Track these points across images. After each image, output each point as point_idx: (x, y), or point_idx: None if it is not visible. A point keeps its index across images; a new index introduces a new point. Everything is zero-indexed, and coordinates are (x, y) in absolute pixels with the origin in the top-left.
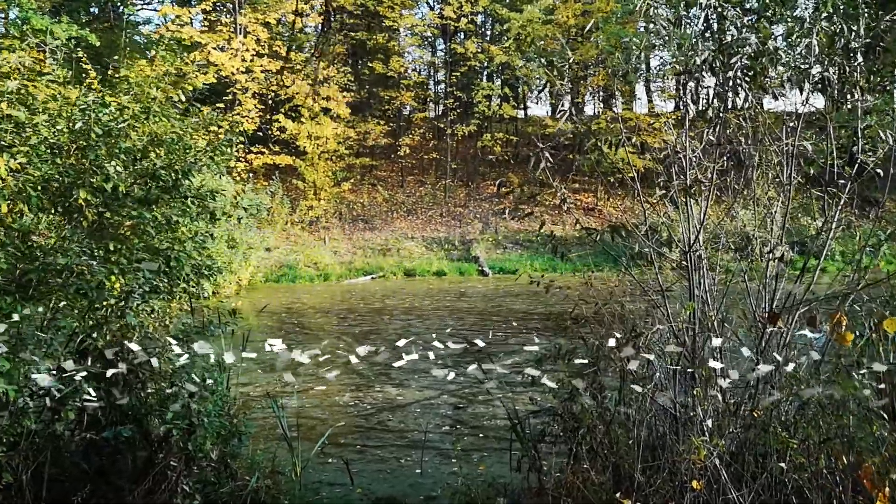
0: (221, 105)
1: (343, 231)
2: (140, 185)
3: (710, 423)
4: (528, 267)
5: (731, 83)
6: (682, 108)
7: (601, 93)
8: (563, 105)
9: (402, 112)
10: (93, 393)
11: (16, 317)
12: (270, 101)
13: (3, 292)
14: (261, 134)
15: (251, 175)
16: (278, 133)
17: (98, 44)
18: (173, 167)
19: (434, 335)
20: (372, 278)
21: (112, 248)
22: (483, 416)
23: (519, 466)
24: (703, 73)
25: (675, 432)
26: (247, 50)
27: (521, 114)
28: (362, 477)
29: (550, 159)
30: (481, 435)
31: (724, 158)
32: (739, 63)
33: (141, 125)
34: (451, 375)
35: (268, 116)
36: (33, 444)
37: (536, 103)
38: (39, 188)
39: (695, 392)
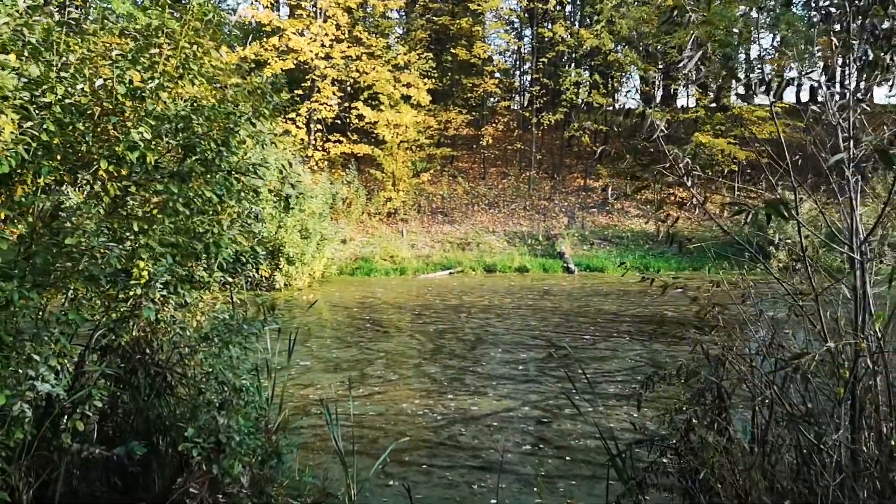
0: (300, 92)
1: (421, 224)
2: (174, 156)
3: None
4: (618, 265)
5: None
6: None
7: (696, 80)
8: (656, 93)
9: (485, 100)
10: (104, 398)
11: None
12: (349, 89)
13: (3, 276)
14: (339, 122)
15: (328, 164)
16: (357, 121)
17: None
18: (213, 137)
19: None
20: (450, 273)
21: (137, 230)
22: (570, 435)
23: None
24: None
25: (844, 489)
26: (326, 35)
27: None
28: None
29: (663, 128)
30: (568, 458)
31: None
32: None
33: (174, 86)
34: None
35: (346, 104)
36: (36, 459)
37: (626, 95)
38: (59, 157)
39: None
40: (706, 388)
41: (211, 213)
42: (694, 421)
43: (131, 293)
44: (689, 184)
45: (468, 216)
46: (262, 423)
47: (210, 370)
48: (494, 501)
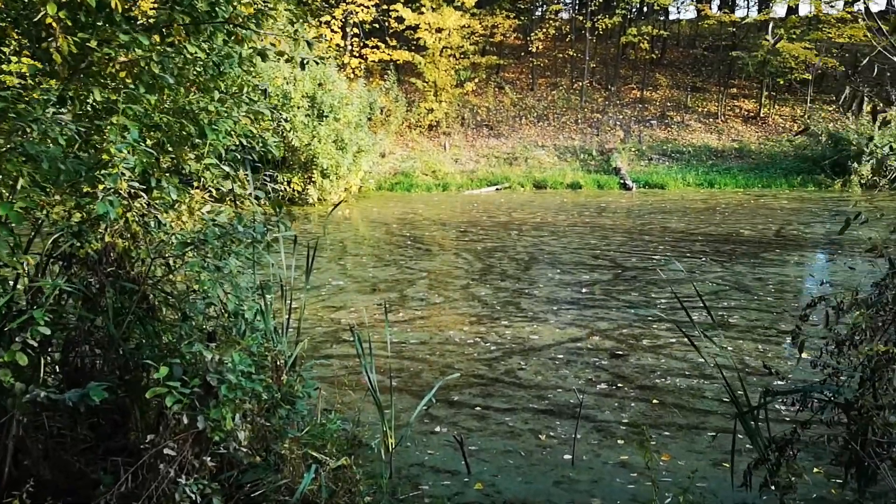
0: None
1: (465, 137)
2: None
3: None
4: (680, 181)
5: None
6: None
7: None
8: None
9: (534, 4)
10: (68, 323)
11: None
12: None
13: None
14: (377, 26)
15: (366, 73)
16: (396, 24)
17: None
18: None
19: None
20: (497, 189)
21: (100, 99)
22: (653, 371)
23: (747, 479)
24: None
25: None
26: None
27: (671, 12)
28: (483, 461)
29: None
30: (655, 401)
31: None
32: None
33: None
34: None
35: (385, 6)
36: None
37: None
38: None
39: None
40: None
41: (208, 85)
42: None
43: (101, 187)
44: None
45: (515, 129)
46: (270, 358)
47: (197, 288)
48: (568, 457)
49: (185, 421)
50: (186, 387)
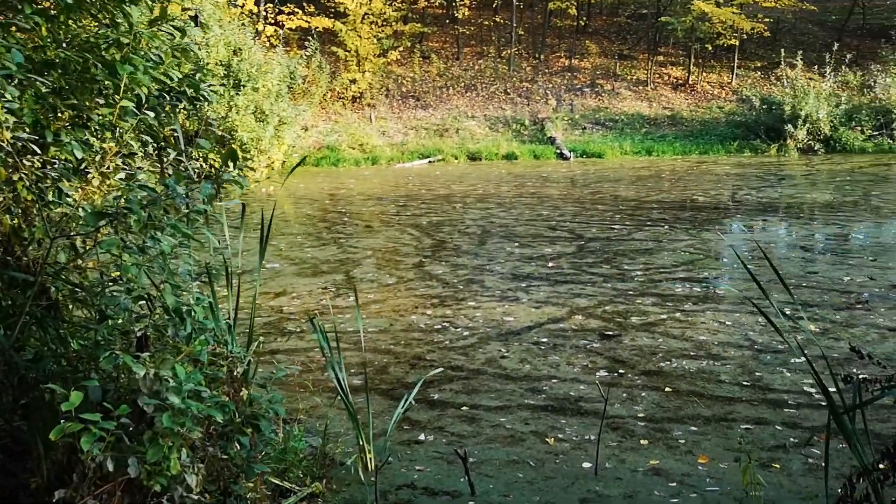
0: None
1: (391, 109)
2: None
3: None
4: (617, 149)
5: None
6: None
7: None
8: None
9: None
10: None
11: None
12: None
13: None
14: None
15: (283, 42)
16: None
17: None
18: None
19: (527, 227)
20: (430, 162)
21: None
22: (654, 353)
23: (846, 490)
24: None
25: None
26: None
27: None
28: (486, 476)
29: None
30: (668, 389)
31: None
32: None
33: None
34: None
35: None
36: None
37: None
38: None
39: None
40: None
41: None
42: None
43: None
44: None
45: (443, 100)
46: (224, 367)
47: (118, 276)
48: (589, 465)
49: (110, 467)
50: (110, 418)
